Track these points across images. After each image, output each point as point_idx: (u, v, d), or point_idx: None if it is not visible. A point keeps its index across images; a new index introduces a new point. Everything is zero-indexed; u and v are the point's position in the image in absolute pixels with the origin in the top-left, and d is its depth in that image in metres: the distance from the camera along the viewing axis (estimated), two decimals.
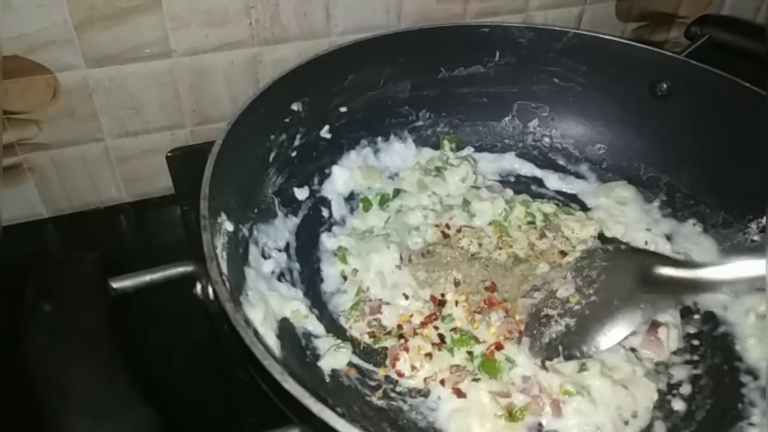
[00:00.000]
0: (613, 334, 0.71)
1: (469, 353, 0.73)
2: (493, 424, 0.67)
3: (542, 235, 0.87)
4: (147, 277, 0.56)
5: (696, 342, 0.77)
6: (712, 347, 0.76)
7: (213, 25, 0.91)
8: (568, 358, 0.71)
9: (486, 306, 0.77)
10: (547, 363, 0.71)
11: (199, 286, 0.58)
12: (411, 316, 0.77)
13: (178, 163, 0.95)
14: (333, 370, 0.71)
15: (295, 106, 0.83)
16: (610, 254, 0.80)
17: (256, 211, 0.78)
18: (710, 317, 0.79)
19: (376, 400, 0.70)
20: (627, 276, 0.74)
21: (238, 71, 0.97)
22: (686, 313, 0.80)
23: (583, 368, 0.70)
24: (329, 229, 0.87)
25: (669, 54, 0.92)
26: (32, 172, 0.94)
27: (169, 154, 0.96)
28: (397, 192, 0.92)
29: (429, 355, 0.72)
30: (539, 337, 0.73)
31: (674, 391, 0.72)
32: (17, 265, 0.84)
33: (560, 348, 0.72)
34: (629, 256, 0.80)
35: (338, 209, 0.90)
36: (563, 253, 0.84)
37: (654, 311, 0.73)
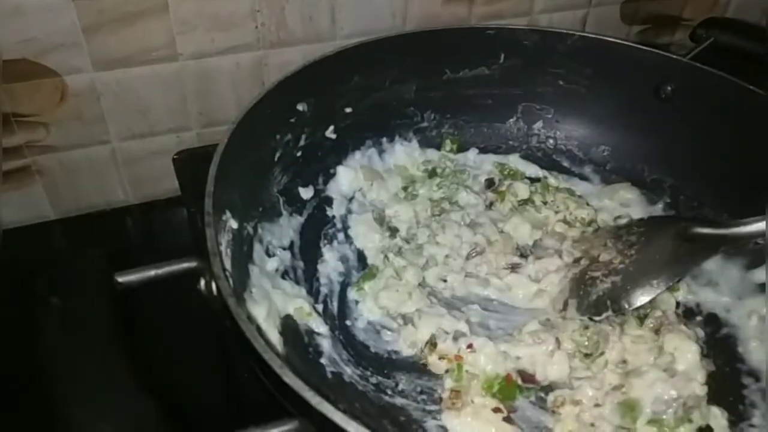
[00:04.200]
0: (659, 283, 0.74)
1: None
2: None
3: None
4: (152, 272, 0.57)
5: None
6: (715, 349, 0.75)
7: (219, 29, 0.92)
8: (617, 311, 0.75)
9: None
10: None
11: (202, 282, 0.59)
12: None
13: (184, 165, 0.96)
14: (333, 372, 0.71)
15: (300, 107, 0.84)
16: (647, 221, 0.85)
17: (261, 209, 0.78)
18: (713, 319, 0.79)
19: (377, 397, 0.70)
20: (665, 236, 0.78)
21: (243, 74, 0.98)
22: (689, 315, 0.79)
23: None
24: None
25: (674, 57, 0.92)
26: (40, 174, 0.95)
27: (175, 157, 0.97)
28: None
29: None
30: (586, 297, 0.77)
31: None
32: (26, 265, 0.86)
33: (608, 302, 0.75)
34: (665, 221, 0.86)
35: (339, 210, 0.90)
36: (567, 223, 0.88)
37: (695, 262, 0.77)
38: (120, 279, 0.55)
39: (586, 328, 0.73)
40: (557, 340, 0.73)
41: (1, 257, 0.88)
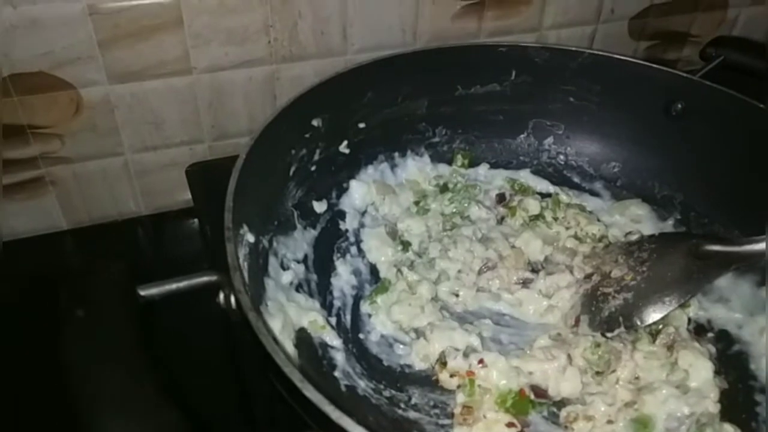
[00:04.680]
0: (671, 300, 0.75)
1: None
2: None
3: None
4: (173, 286, 0.57)
5: None
6: (726, 366, 0.75)
7: (233, 44, 0.93)
8: (629, 327, 0.75)
9: None
10: None
11: (221, 296, 0.59)
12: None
13: (197, 178, 0.96)
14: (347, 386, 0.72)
15: (315, 122, 0.84)
16: (658, 238, 0.85)
17: (276, 223, 0.79)
18: (725, 336, 0.79)
19: (390, 411, 0.70)
20: (677, 253, 0.78)
21: (256, 88, 0.99)
22: (701, 331, 0.80)
23: None
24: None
25: (684, 75, 0.93)
26: (54, 185, 0.96)
27: (188, 169, 0.97)
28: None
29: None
30: (598, 312, 0.77)
31: None
32: (37, 274, 0.86)
33: (621, 319, 0.76)
34: (677, 238, 0.86)
35: (352, 223, 0.91)
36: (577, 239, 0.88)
37: (707, 279, 0.77)
38: (142, 292, 0.55)
39: (598, 345, 0.73)
40: (569, 356, 0.73)
41: (12, 266, 0.89)
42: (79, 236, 1.01)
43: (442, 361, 0.73)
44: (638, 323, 0.75)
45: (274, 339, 0.61)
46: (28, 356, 0.74)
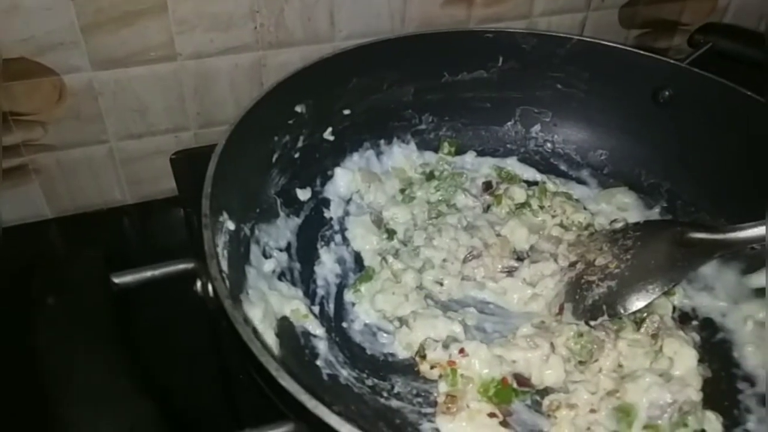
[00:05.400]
0: (654, 288, 0.74)
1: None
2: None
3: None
4: (148, 273, 0.57)
5: None
6: (710, 354, 0.75)
7: (218, 29, 0.92)
8: (612, 315, 0.75)
9: None
10: None
11: (199, 283, 0.59)
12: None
13: (181, 166, 0.96)
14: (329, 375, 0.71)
15: (299, 108, 0.84)
16: (643, 225, 0.85)
17: (258, 210, 0.78)
18: (709, 324, 0.79)
19: (373, 399, 0.70)
20: (662, 241, 0.78)
21: (242, 75, 0.98)
22: (685, 319, 0.80)
23: None
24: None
25: (672, 62, 0.92)
26: (37, 173, 0.95)
27: (173, 157, 0.97)
28: None
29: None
30: (582, 301, 0.77)
31: None
32: (21, 263, 0.85)
33: (604, 307, 0.76)
34: (662, 225, 0.85)
35: (336, 211, 0.90)
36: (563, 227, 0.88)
37: (691, 267, 0.77)
38: (116, 280, 0.54)
39: (581, 335, 0.73)
40: (552, 345, 0.73)
41: None
42: (64, 225, 1.00)
43: (422, 354, 0.73)
44: (622, 311, 0.75)
45: (253, 328, 0.61)
46: (3, 347, 0.73)
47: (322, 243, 0.86)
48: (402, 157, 0.98)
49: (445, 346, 0.72)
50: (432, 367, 0.72)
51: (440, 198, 0.93)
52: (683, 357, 0.72)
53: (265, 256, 0.77)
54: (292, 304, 0.73)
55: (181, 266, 0.58)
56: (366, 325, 0.79)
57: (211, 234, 0.59)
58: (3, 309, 0.80)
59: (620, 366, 0.72)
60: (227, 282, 0.57)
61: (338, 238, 0.88)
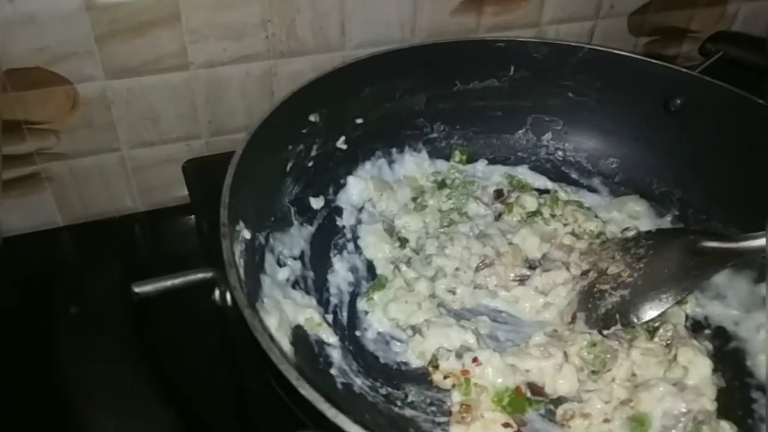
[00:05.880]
0: (668, 297, 0.74)
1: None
2: None
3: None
4: (168, 283, 0.57)
5: None
6: (723, 363, 0.75)
7: (230, 39, 0.93)
8: (626, 324, 0.75)
9: None
10: None
11: (217, 292, 0.59)
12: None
13: (193, 173, 0.96)
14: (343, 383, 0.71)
15: (312, 118, 0.84)
16: (655, 234, 0.85)
17: (272, 219, 0.79)
18: (721, 333, 0.79)
19: (387, 408, 0.70)
20: (674, 250, 0.78)
21: (253, 83, 0.98)
22: (697, 328, 0.79)
23: None
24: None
25: (684, 70, 0.92)
26: (50, 181, 0.95)
27: (185, 165, 0.97)
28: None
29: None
30: (594, 310, 0.77)
31: None
32: (33, 271, 0.86)
33: (617, 316, 0.76)
34: (674, 234, 0.85)
35: (349, 220, 0.91)
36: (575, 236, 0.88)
37: (704, 276, 0.77)
38: (137, 289, 0.55)
39: (594, 345, 0.73)
40: (565, 354, 0.73)
41: (7, 263, 0.89)
42: (76, 233, 1.00)
43: (434, 364, 0.73)
44: (635, 320, 0.75)
45: (270, 336, 0.61)
46: (23, 355, 0.74)
47: (335, 251, 0.87)
48: (414, 165, 0.98)
49: (458, 356, 0.73)
50: (445, 377, 0.72)
51: (452, 206, 0.94)
52: (698, 366, 0.72)
53: (280, 264, 0.77)
54: (306, 313, 0.74)
55: (200, 275, 0.58)
56: (379, 333, 0.79)
57: (230, 243, 0.59)
58: (17, 316, 0.81)
59: (634, 375, 0.72)
60: (245, 291, 0.57)
61: (351, 246, 0.88)
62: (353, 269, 0.86)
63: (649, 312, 0.75)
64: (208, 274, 0.58)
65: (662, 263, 0.77)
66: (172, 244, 1.02)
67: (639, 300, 0.75)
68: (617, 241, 0.85)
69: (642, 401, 0.69)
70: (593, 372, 0.72)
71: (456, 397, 0.71)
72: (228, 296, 0.57)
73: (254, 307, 0.61)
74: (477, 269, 0.84)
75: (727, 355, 0.77)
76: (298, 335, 0.71)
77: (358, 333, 0.79)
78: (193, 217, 1.01)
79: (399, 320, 0.79)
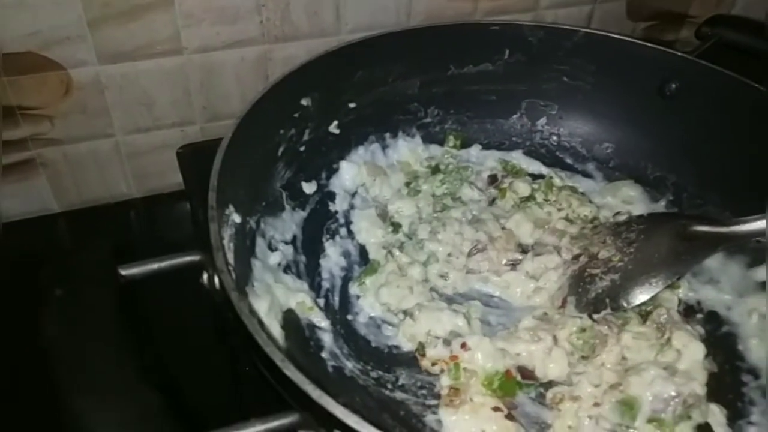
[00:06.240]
0: (658, 281, 0.74)
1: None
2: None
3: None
4: (155, 265, 0.57)
5: None
6: (715, 347, 0.75)
7: (224, 23, 0.92)
8: (616, 309, 0.75)
9: None
10: None
11: (205, 276, 0.59)
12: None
13: (188, 159, 0.96)
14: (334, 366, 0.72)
15: (304, 101, 0.84)
16: (647, 218, 0.85)
17: (264, 204, 0.79)
18: (714, 317, 0.79)
19: (377, 391, 0.70)
20: (665, 234, 0.78)
21: (248, 68, 0.98)
22: (690, 312, 0.80)
23: None
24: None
25: (679, 54, 0.92)
26: (44, 167, 0.95)
27: (179, 150, 0.97)
28: None
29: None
30: (585, 294, 0.77)
31: None
32: (29, 257, 0.86)
33: (607, 300, 0.76)
34: (665, 218, 0.85)
35: (342, 205, 0.91)
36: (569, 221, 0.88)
37: (694, 260, 0.77)
38: (123, 272, 0.55)
39: (583, 330, 0.73)
40: (554, 338, 0.73)
41: (3, 249, 0.89)
42: (71, 219, 1.00)
43: (421, 353, 0.74)
44: (625, 305, 0.75)
45: (259, 320, 0.62)
46: (11, 337, 0.74)
47: (328, 236, 0.87)
48: (407, 150, 0.98)
49: (446, 342, 0.73)
50: (433, 364, 0.73)
51: (445, 191, 0.93)
52: (691, 350, 0.71)
53: (271, 249, 0.77)
54: (297, 297, 0.74)
55: (188, 258, 0.58)
56: (371, 317, 0.79)
57: (218, 227, 0.59)
58: (10, 300, 0.81)
59: (624, 359, 0.72)
60: (233, 274, 0.57)
61: (343, 231, 0.88)
62: (345, 254, 0.86)
63: (639, 296, 0.75)
64: (196, 257, 0.58)
65: (653, 248, 0.77)
66: (167, 230, 1.03)
67: (629, 284, 0.75)
68: (608, 226, 0.85)
69: (632, 385, 0.68)
70: (583, 357, 0.72)
71: (445, 380, 0.71)
72: (216, 279, 0.57)
73: (242, 290, 0.62)
74: (469, 254, 0.84)
75: (719, 339, 0.77)
76: (290, 319, 0.71)
77: (349, 317, 0.79)
78: (188, 203, 1.01)
79: (390, 305, 0.79)
